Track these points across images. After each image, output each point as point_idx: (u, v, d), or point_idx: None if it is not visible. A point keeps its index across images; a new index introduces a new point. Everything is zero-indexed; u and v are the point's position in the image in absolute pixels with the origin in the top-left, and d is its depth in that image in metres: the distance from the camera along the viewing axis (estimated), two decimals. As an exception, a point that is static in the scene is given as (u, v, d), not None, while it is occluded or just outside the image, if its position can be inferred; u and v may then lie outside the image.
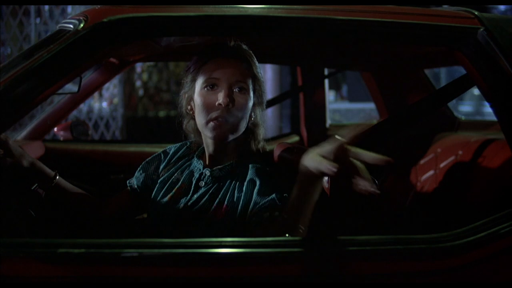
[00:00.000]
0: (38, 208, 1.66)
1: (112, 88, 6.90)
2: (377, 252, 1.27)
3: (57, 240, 1.24)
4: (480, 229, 1.31)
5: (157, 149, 3.03)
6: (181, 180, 1.66)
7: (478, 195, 2.04)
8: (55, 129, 2.85)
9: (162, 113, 7.47)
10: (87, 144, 2.97)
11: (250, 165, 1.58)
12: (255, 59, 1.60)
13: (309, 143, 3.20)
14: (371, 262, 1.27)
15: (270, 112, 6.66)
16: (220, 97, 1.52)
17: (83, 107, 6.66)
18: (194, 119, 1.62)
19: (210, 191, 1.58)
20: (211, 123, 1.53)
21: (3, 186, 1.55)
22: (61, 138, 2.88)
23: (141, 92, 7.43)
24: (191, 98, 1.61)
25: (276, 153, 1.71)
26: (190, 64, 1.61)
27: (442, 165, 2.35)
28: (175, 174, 1.69)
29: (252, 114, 1.60)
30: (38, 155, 2.61)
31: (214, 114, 1.52)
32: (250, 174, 1.56)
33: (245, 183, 1.55)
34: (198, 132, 1.63)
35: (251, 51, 1.61)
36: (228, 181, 1.59)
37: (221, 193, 1.57)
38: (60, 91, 1.52)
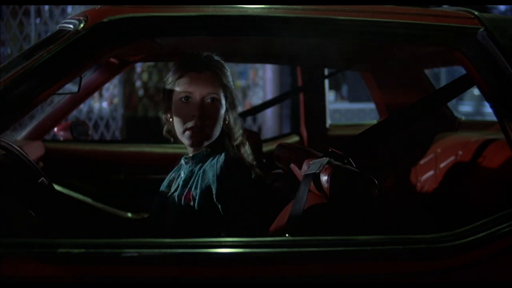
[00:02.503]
0: (38, 208, 1.66)
1: (112, 88, 6.89)
2: (377, 252, 1.27)
3: (57, 240, 1.24)
4: (480, 229, 1.31)
5: (157, 149, 3.04)
6: (173, 174, 1.83)
7: (478, 195, 2.04)
8: (55, 129, 2.85)
9: (162, 113, 7.46)
10: (87, 144, 2.97)
11: (221, 155, 1.65)
12: (226, 69, 1.72)
13: (309, 143, 3.20)
14: (371, 262, 1.27)
15: (270, 112, 6.66)
16: (194, 110, 1.65)
17: (83, 107, 6.65)
18: (173, 125, 1.74)
19: (184, 178, 1.71)
20: (187, 133, 1.67)
21: (3, 186, 1.55)
22: (61, 138, 2.88)
23: (141, 92, 7.43)
24: (169, 108, 1.73)
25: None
26: (167, 76, 1.73)
27: (442, 165, 2.36)
28: (174, 170, 1.84)
29: (226, 118, 1.73)
30: (38, 155, 2.61)
31: (189, 124, 1.66)
32: (216, 164, 1.63)
33: (210, 172, 1.63)
34: (177, 137, 1.75)
35: (222, 62, 1.73)
36: (198, 168, 1.70)
37: (191, 179, 1.69)
38: (60, 91, 1.52)
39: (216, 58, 1.72)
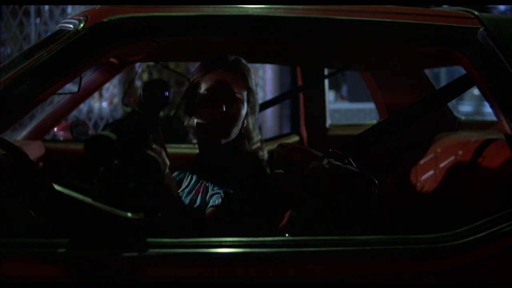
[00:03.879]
0: (38, 208, 1.66)
1: (112, 88, 6.89)
2: (377, 252, 1.27)
3: (57, 240, 1.24)
4: (480, 229, 1.31)
5: (157, 149, 3.00)
6: (182, 174, 1.83)
7: (478, 195, 2.04)
8: (55, 129, 2.84)
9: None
10: (87, 144, 2.96)
11: (240, 152, 1.69)
12: (251, 73, 1.75)
13: (309, 143, 3.20)
14: (371, 262, 1.27)
15: (270, 112, 6.65)
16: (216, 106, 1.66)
17: (83, 107, 6.65)
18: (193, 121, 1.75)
19: (198, 173, 1.73)
20: (206, 128, 1.67)
21: (3, 186, 1.55)
22: (61, 138, 2.87)
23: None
24: (191, 103, 1.73)
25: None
26: (194, 71, 1.75)
27: (442, 165, 2.35)
28: (182, 170, 1.85)
29: (245, 121, 1.74)
30: (38, 155, 2.61)
31: (209, 120, 1.67)
32: (235, 158, 1.67)
33: (228, 165, 1.66)
34: (196, 131, 1.76)
35: (248, 66, 1.75)
36: (211, 165, 1.71)
37: (205, 175, 1.70)
38: (60, 91, 1.52)
39: (243, 61, 1.75)
